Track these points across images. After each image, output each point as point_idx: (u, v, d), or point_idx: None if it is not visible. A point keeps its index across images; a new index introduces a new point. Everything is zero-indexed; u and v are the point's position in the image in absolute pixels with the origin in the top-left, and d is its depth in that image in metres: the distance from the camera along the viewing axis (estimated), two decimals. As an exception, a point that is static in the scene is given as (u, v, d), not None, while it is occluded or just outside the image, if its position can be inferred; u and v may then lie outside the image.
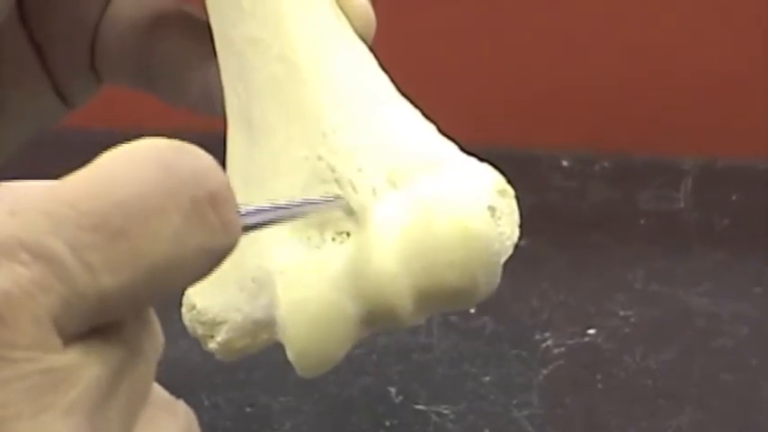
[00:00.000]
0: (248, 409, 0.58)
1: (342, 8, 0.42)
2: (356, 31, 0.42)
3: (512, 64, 0.98)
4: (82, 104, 0.47)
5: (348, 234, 0.39)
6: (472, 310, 0.65)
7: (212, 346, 0.41)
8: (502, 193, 0.40)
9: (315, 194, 0.40)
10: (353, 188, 0.39)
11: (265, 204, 0.36)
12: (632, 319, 0.65)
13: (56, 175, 0.28)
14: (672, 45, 0.97)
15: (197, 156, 0.29)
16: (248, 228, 0.32)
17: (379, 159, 0.40)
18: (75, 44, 0.45)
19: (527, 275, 0.67)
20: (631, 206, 0.77)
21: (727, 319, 0.65)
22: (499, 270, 0.39)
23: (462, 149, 0.41)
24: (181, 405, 0.31)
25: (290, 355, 0.39)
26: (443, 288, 0.39)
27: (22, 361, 0.26)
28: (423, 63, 0.92)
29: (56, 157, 0.53)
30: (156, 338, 0.30)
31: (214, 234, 0.29)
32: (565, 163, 0.82)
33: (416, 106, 0.42)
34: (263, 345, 0.41)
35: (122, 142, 0.29)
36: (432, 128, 0.42)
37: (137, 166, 0.28)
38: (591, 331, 0.64)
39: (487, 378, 0.60)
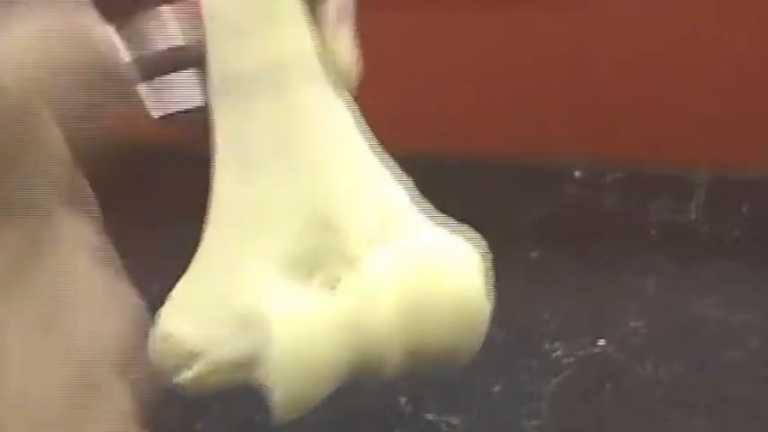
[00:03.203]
0: (257, 418, 0.58)
1: (333, 57, 0.42)
2: (342, 80, 0.42)
3: (524, 74, 0.99)
4: None
5: (339, 279, 0.39)
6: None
7: (183, 377, 0.41)
8: (485, 257, 0.41)
9: (311, 240, 0.40)
10: (348, 235, 0.40)
11: None
12: (643, 330, 0.65)
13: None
14: (684, 57, 0.97)
15: None
16: None
17: (375, 210, 0.40)
18: None
19: (538, 286, 0.67)
20: (643, 217, 0.77)
21: (738, 330, 0.65)
22: (483, 337, 0.40)
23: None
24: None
25: (278, 396, 0.39)
26: (434, 348, 0.39)
27: None
28: (435, 71, 0.92)
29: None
30: (84, 226, 0.29)
31: None
32: (577, 174, 0.82)
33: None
34: (236, 383, 0.40)
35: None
36: (409, 184, 0.42)
37: None
38: (601, 342, 0.64)
39: (497, 388, 0.60)
